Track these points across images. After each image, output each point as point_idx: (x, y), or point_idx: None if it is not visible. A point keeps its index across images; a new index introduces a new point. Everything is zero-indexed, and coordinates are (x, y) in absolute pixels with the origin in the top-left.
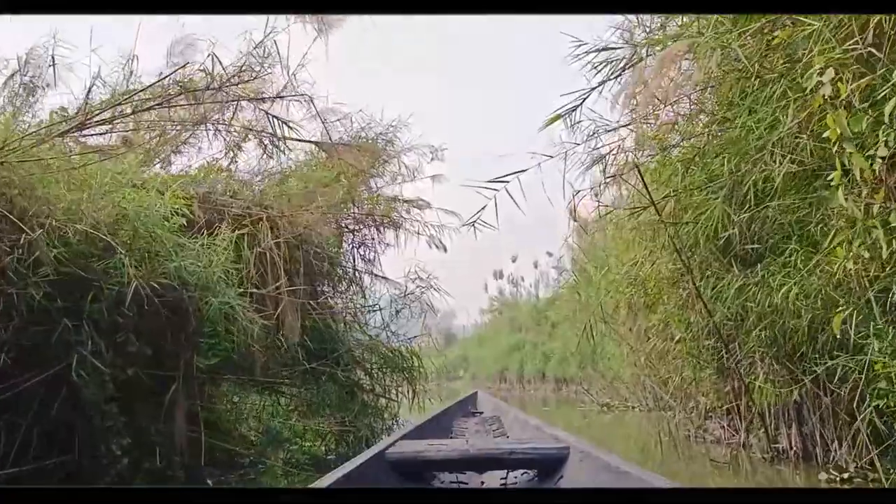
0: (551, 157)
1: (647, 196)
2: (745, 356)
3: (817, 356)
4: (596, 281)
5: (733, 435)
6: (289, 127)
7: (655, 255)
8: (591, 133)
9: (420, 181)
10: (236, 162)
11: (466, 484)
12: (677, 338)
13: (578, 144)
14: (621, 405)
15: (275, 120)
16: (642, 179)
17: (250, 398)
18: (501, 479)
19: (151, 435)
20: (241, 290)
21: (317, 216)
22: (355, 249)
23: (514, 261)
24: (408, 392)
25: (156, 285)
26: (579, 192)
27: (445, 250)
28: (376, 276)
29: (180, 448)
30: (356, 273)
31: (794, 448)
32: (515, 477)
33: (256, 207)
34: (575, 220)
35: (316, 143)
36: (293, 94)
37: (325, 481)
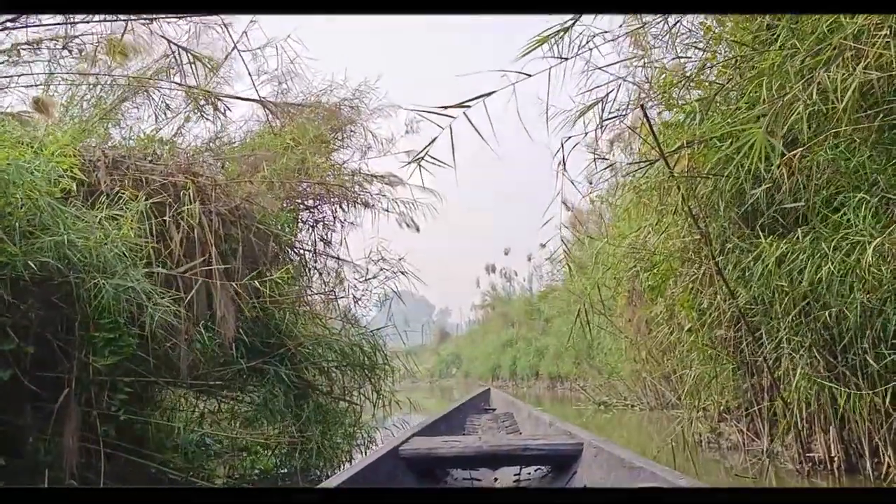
0: (529, 75)
1: (655, 146)
2: (774, 348)
3: (867, 347)
4: (592, 264)
5: (753, 440)
6: (209, 69)
7: (665, 223)
8: (586, 65)
9: (394, 156)
10: (181, 134)
11: (480, 480)
12: (687, 327)
13: (566, 59)
14: (620, 404)
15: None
16: (648, 123)
17: (186, 404)
18: (515, 475)
19: (37, 453)
20: (150, 270)
21: (259, 187)
22: (312, 229)
23: (506, 254)
24: (372, 394)
25: (33, 265)
26: (570, 138)
27: (418, 230)
28: (330, 256)
29: (70, 468)
30: (316, 256)
31: (835, 458)
32: (529, 473)
33: (182, 175)
34: (564, 173)
35: (259, 102)
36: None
37: (337, 479)
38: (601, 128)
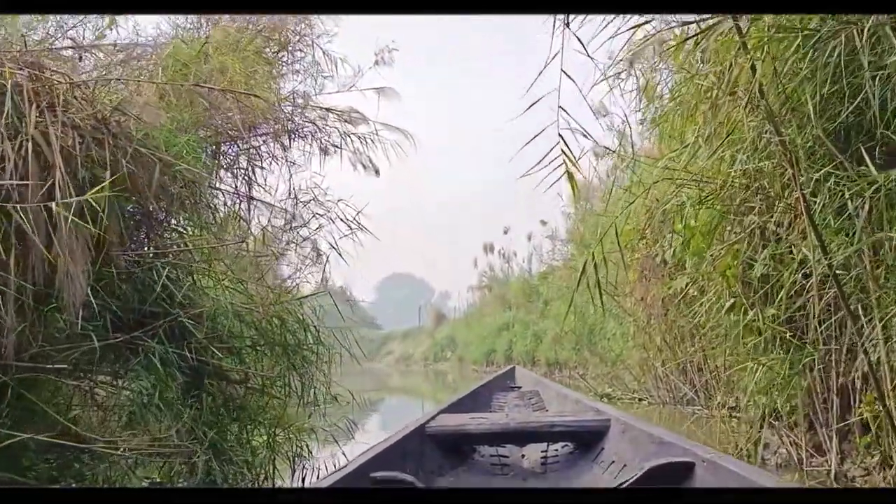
0: None
1: None
2: (870, 333)
3: None
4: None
5: (813, 457)
6: None
7: (718, 140)
8: None
9: (363, 92)
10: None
11: (507, 457)
12: (729, 303)
13: None
14: (625, 396)
15: None
16: None
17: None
18: (542, 451)
19: None
20: None
21: (148, 98)
22: (233, 165)
23: (505, 233)
24: (301, 385)
25: None
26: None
27: (378, 174)
28: (252, 199)
29: None
30: (238, 198)
31: None
32: (556, 450)
33: (15, 65)
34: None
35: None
36: None
37: (363, 457)
38: None
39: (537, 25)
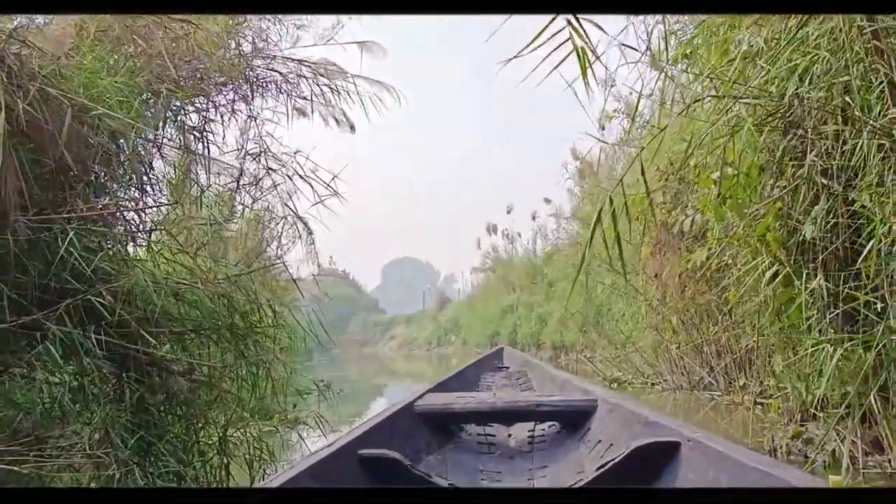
0: None
1: None
2: None
3: None
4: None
5: (869, 453)
6: None
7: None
8: None
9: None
10: None
11: (494, 436)
12: (770, 272)
13: None
14: (636, 380)
15: None
16: None
17: None
18: (529, 431)
19: None
20: None
21: (63, 32)
22: (184, 117)
23: (509, 212)
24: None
25: None
26: None
27: (353, 129)
28: (198, 155)
29: None
30: (189, 155)
31: None
32: (543, 429)
33: None
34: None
35: None
36: None
37: (353, 433)
38: None
39: None
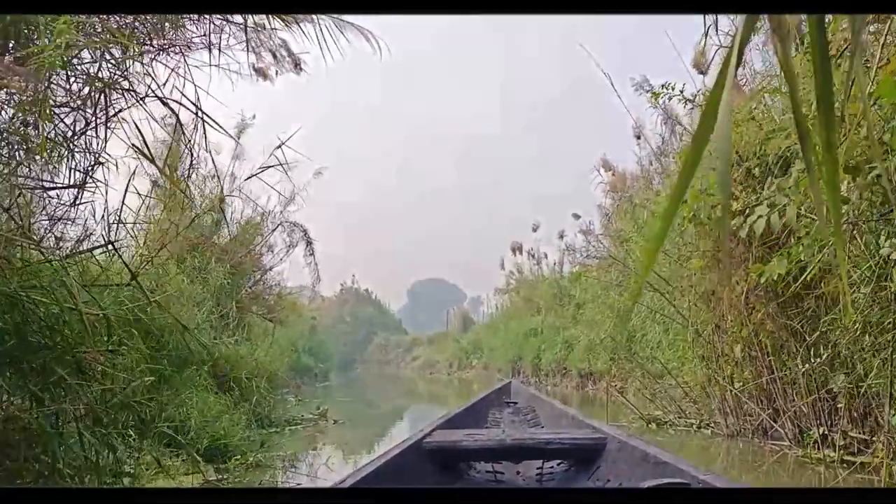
0: None
1: None
2: None
3: None
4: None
5: None
6: None
7: None
8: None
9: None
10: None
11: (502, 474)
12: None
13: None
14: (680, 422)
15: None
16: None
17: None
18: (537, 469)
19: None
20: None
21: None
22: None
23: (535, 230)
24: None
25: None
26: None
27: (298, 70)
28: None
29: None
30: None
31: None
32: (552, 467)
33: None
34: None
35: None
36: None
37: (360, 473)
38: None
39: None
